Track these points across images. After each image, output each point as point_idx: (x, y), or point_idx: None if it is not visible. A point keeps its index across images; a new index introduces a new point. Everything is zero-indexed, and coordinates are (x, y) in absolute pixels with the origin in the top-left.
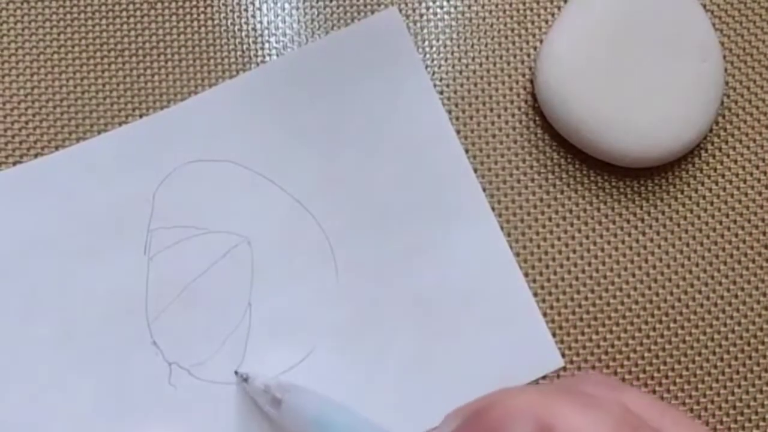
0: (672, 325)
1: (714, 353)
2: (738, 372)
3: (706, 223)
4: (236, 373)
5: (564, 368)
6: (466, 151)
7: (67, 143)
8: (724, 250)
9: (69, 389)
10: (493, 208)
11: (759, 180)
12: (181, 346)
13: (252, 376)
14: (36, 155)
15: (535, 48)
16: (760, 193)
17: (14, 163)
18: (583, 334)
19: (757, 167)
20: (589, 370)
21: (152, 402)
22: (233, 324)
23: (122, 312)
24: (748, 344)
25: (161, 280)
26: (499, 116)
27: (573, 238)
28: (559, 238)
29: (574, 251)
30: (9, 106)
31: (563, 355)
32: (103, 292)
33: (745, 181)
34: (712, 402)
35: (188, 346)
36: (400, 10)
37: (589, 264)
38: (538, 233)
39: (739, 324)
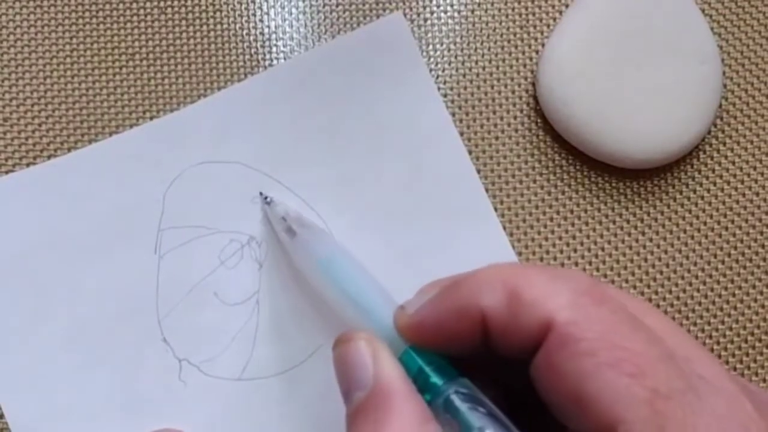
0: None
1: (712, 350)
2: (735, 369)
3: (705, 223)
4: (260, 193)
5: None
6: (470, 152)
7: (80, 145)
8: (721, 249)
9: (80, 386)
10: (495, 209)
11: (756, 181)
12: (191, 343)
13: (275, 201)
14: (49, 157)
15: (536, 52)
16: (757, 194)
17: (27, 165)
18: None
19: (755, 168)
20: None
21: (163, 398)
22: (242, 322)
23: (133, 310)
24: (746, 341)
25: (171, 278)
26: (501, 118)
27: (574, 237)
28: (560, 238)
29: (575, 251)
30: (23, 108)
31: None
32: (115, 291)
33: (742, 182)
34: None
35: (198, 343)
36: (405, 15)
37: (590, 263)
38: (539, 233)
39: (737, 322)
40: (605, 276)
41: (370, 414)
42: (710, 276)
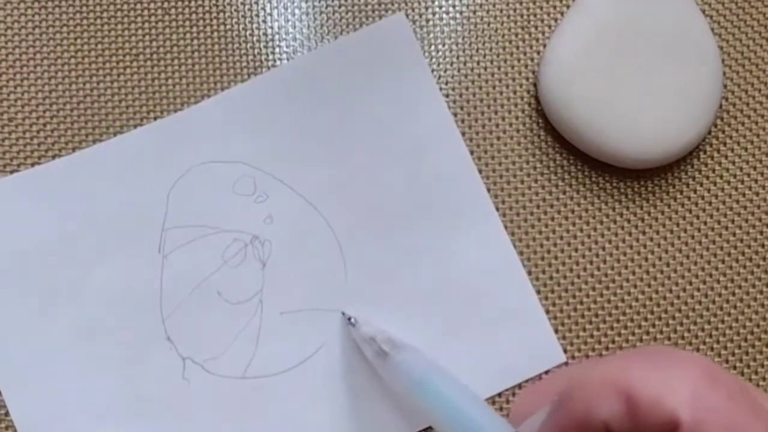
0: (671, 322)
1: (712, 349)
2: (734, 369)
3: (705, 223)
4: (343, 313)
5: (566, 363)
6: (471, 152)
7: (84, 145)
8: (722, 249)
9: (85, 384)
10: (497, 208)
11: (756, 181)
12: (195, 341)
13: (360, 322)
14: (53, 156)
15: (538, 52)
16: (757, 194)
17: (32, 164)
18: (584, 330)
19: (755, 168)
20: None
21: (166, 396)
22: (245, 321)
23: (137, 309)
24: (745, 340)
25: (175, 277)
26: (503, 119)
27: (575, 237)
28: (561, 237)
29: (576, 250)
30: (27, 108)
31: (565, 351)
32: (119, 290)
33: (742, 182)
34: None
35: (201, 341)
36: (407, 16)
37: (591, 262)
38: (541, 232)
39: (737, 321)
40: (606, 276)
41: None
42: (710, 276)
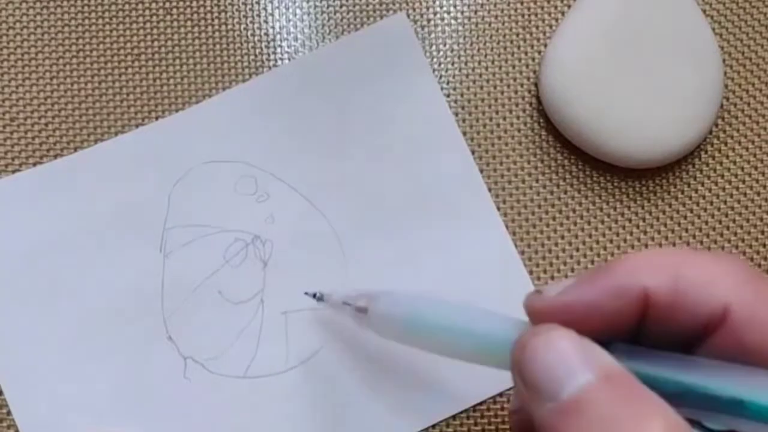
0: None
1: None
2: None
3: (706, 222)
4: (306, 293)
5: None
6: (473, 152)
7: (86, 144)
8: (723, 248)
9: (86, 383)
10: (498, 208)
11: (757, 181)
12: (196, 341)
13: (327, 293)
14: (55, 156)
15: (539, 52)
16: (758, 194)
17: (34, 164)
18: None
19: (756, 168)
20: None
21: (168, 395)
22: (246, 320)
23: (139, 308)
24: None
25: (176, 277)
26: (504, 118)
27: (576, 236)
28: (562, 237)
29: (577, 249)
30: (29, 108)
31: None
32: (121, 289)
33: (743, 182)
34: None
35: (203, 341)
36: (409, 16)
37: (592, 262)
38: (542, 232)
39: None
40: None
41: (615, 401)
42: None
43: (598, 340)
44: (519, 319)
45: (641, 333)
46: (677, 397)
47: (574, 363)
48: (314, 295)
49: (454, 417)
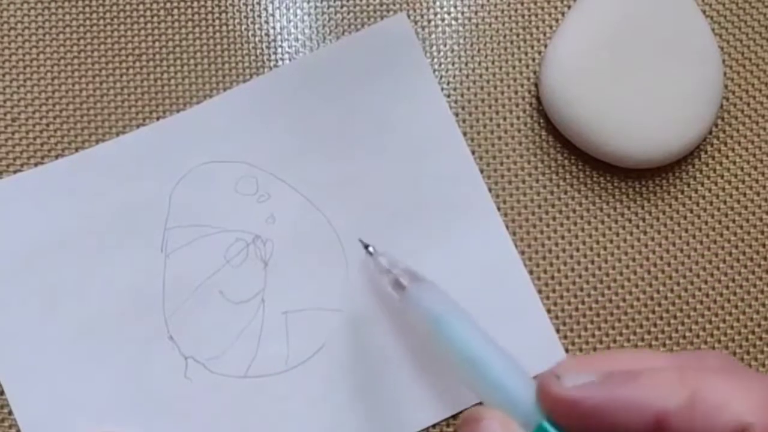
0: (672, 321)
1: (713, 349)
2: None
3: (706, 222)
4: (360, 240)
5: None
6: (473, 152)
7: (87, 145)
8: (722, 249)
9: (88, 383)
10: (498, 208)
11: (757, 181)
12: (197, 340)
13: (378, 251)
14: (57, 156)
15: (539, 53)
16: (758, 194)
17: (36, 164)
18: (585, 329)
19: (755, 168)
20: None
21: (169, 394)
22: (247, 319)
23: (140, 308)
24: (746, 340)
25: (177, 276)
26: (504, 119)
27: (576, 236)
28: (562, 237)
29: (577, 249)
30: (31, 109)
31: (566, 350)
32: (122, 289)
33: (743, 182)
34: None
35: (204, 340)
36: (409, 16)
37: (592, 261)
38: (542, 232)
39: (738, 321)
40: (607, 275)
41: None
42: (711, 276)
43: None
44: (526, 377)
45: None
46: None
47: None
48: (366, 247)
49: (454, 416)
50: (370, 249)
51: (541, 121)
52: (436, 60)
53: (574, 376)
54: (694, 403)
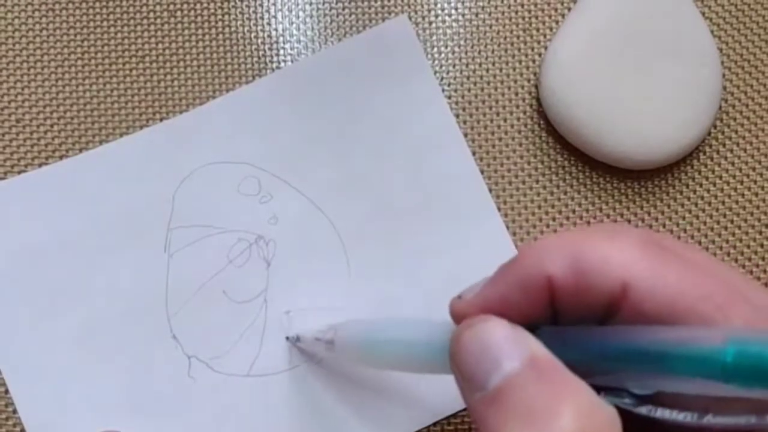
0: None
1: None
2: None
3: (705, 223)
4: (287, 338)
5: None
6: (473, 153)
7: (91, 146)
8: (721, 249)
9: (92, 382)
10: (499, 208)
11: (755, 182)
12: (200, 340)
13: (301, 334)
14: (61, 157)
15: (539, 54)
16: (756, 194)
17: (40, 165)
18: None
19: (754, 169)
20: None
21: (172, 394)
22: (250, 319)
23: (143, 307)
24: None
25: (180, 276)
26: (505, 120)
27: None
28: None
29: None
30: (35, 110)
31: None
32: (125, 289)
33: (742, 183)
34: None
35: (206, 340)
36: (410, 18)
37: None
38: (542, 232)
39: None
40: None
41: (535, 386)
42: None
43: (526, 325)
44: (447, 327)
45: (559, 316)
46: (605, 363)
47: (501, 351)
48: (294, 339)
49: (455, 415)
50: (295, 337)
51: (542, 122)
52: (437, 61)
53: (470, 288)
54: (577, 265)
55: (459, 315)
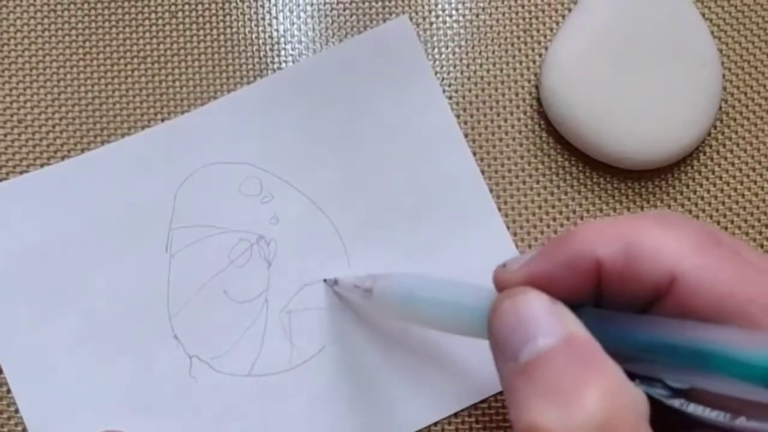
0: None
1: None
2: None
3: None
4: (325, 280)
5: None
6: (474, 153)
7: (93, 146)
8: None
9: (93, 382)
10: (499, 209)
11: (755, 182)
12: (201, 339)
13: (340, 278)
14: (63, 157)
15: (540, 55)
16: (756, 195)
17: (42, 165)
18: None
19: (754, 170)
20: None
21: (173, 393)
22: (251, 319)
23: (145, 307)
24: None
25: (182, 276)
26: (505, 120)
27: None
28: None
29: None
30: (37, 110)
31: None
32: (127, 288)
33: (742, 183)
34: None
35: (208, 340)
36: (411, 19)
37: None
38: (542, 233)
39: None
40: None
41: (565, 365)
42: None
43: (568, 304)
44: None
45: (602, 299)
46: (645, 353)
47: (537, 326)
48: (331, 281)
49: (456, 414)
50: (332, 280)
51: (542, 122)
52: (437, 62)
53: (516, 259)
54: (628, 251)
55: (501, 284)
